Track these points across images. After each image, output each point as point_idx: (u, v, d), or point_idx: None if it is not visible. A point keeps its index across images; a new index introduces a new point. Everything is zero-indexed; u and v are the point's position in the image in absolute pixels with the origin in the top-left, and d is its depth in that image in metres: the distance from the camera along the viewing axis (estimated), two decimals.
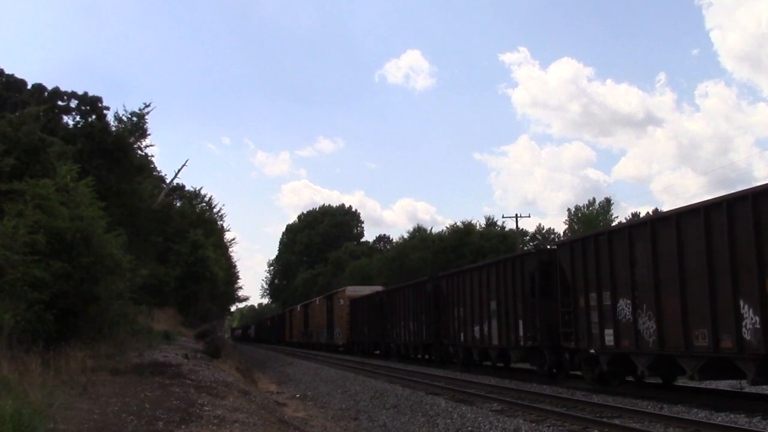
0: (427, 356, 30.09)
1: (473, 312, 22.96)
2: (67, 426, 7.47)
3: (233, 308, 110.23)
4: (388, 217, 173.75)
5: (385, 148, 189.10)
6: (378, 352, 37.68)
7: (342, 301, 43.99)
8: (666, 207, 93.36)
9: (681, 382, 16.68)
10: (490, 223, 70.98)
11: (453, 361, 25.90)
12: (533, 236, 74.11)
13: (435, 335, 27.20)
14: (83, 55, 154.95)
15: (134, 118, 35.65)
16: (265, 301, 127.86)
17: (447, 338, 25.80)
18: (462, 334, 24.03)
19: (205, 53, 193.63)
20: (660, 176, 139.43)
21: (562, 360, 18.34)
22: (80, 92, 30.93)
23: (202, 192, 58.51)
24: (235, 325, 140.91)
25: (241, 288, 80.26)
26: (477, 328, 22.61)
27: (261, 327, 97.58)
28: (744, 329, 11.79)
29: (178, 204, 48.86)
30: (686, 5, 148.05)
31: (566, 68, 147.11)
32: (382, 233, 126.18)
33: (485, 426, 11.77)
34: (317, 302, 52.93)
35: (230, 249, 65.42)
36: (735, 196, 12.29)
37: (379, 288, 43.98)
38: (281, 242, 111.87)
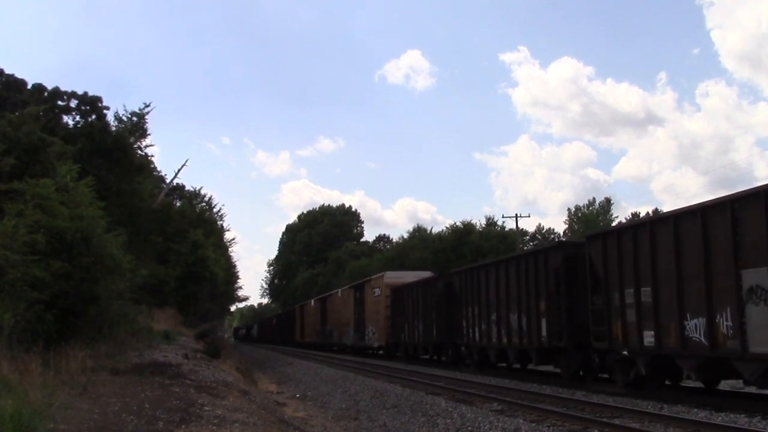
0: (526, 365, 21.49)
1: (681, 293, 13.36)
2: (67, 426, 7.47)
3: (233, 308, 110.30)
4: (388, 216, 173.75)
5: (385, 148, 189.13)
6: (442, 358, 28.10)
7: (378, 291, 34.67)
8: (667, 207, 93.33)
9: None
10: (491, 222, 71.07)
11: (608, 378, 16.89)
12: (533, 236, 74.19)
13: (569, 335, 17.42)
14: (83, 55, 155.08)
15: (134, 118, 35.67)
16: (265, 301, 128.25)
17: (607, 341, 15.74)
18: (651, 333, 14.21)
19: (205, 53, 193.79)
20: (660, 176, 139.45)
21: None
22: (80, 92, 30.94)
23: (202, 192, 58.67)
24: (235, 324, 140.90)
25: (241, 288, 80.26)
26: (694, 323, 13.02)
27: (265, 326, 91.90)
28: None
29: (178, 204, 48.88)
30: (687, 5, 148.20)
31: (566, 67, 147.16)
32: (382, 233, 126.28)
33: (485, 426, 11.77)
34: (339, 294, 44.51)
35: (230, 249, 65.52)
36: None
37: (426, 273, 34.36)
38: (281, 242, 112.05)
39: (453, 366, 25.60)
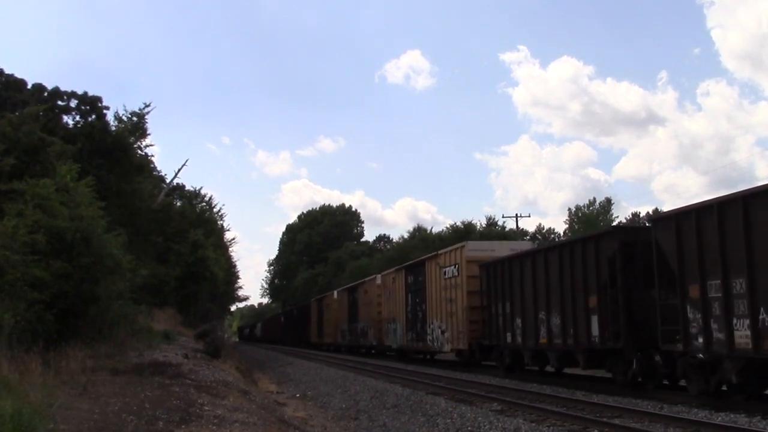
0: None
1: None
2: (67, 426, 7.47)
3: (233, 308, 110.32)
4: (389, 216, 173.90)
5: (386, 148, 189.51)
6: (617, 376, 15.78)
7: (452, 270, 23.95)
8: (667, 207, 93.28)
9: None
10: (491, 223, 71.03)
11: None
12: (533, 236, 74.15)
13: None
14: (83, 55, 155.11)
15: (134, 118, 35.57)
16: (265, 301, 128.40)
17: None
18: None
19: (205, 53, 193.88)
20: (661, 176, 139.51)
21: None
22: (80, 92, 30.96)
23: (202, 192, 58.63)
24: (236, 324, 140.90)
25: (241, 288, 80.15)
26: None
27: (269, 325, 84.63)
28: None
29: (178, 204, 48.88)
30: (687, 4, 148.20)
31: (566, 67, 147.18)
32: (383, 233, 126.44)
33: (485, 426, 11.77)
34: (379, 281, 34.56)
35: (230, 249, 65.47)
36: None
37: (525, 244, 25.10)
38: (281, 242, 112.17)
39: (640, 389, 14.87)
